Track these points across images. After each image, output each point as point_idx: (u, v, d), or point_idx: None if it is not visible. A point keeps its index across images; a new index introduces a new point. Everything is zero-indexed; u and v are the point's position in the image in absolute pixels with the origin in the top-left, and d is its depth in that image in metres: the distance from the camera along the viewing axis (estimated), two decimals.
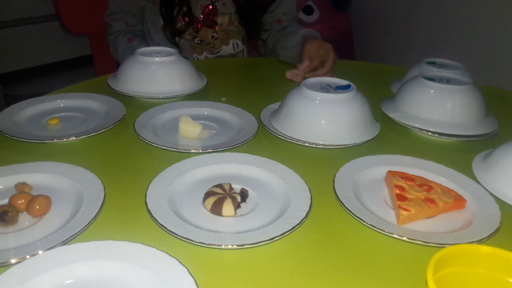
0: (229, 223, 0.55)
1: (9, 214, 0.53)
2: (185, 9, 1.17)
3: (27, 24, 2.67)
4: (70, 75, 2.76)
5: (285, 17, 1.29)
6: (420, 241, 0.52)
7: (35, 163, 0.64)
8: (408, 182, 0.61)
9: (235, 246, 0.50)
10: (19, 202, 0.55)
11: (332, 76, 1.03)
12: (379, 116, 0.85)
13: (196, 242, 0.50)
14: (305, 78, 0.89)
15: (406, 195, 0.59)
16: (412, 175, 0.64)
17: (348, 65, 1.28)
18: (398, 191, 0.59)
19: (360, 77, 1.10)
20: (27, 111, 0.81)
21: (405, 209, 0.56)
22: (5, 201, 0.56)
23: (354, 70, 1.24)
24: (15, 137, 0.71)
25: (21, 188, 0.58)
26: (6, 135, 0.71)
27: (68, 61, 2.88)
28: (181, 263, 0.46)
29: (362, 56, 2.56)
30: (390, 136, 0.81)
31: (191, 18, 1.20)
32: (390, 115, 0.85)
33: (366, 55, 2.56)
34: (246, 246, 0.50)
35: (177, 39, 1.22)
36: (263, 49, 1.36)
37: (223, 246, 0.50)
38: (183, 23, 1.20)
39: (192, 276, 0.44)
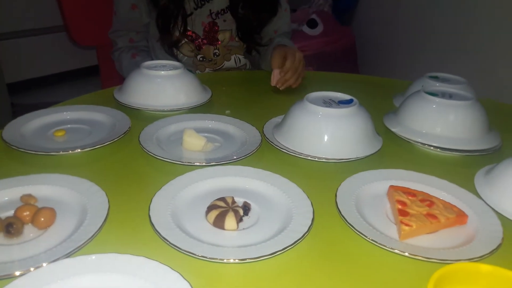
0: (231, 237, 0.55)
1: (15, 226, 0.53)
2: (181, 23, 1.19)
3: (35, 35, 2.70)
4: (77, 85, 2.78)
5: (276, 34, 1.30)
6: (422, 256, 0.52)
7: (40, 175, 0.65)
8: (410, 197, 0.62)
9: (237, 261, 0.50)
10: (25, 214, 0.55)
11: (298, 78, 1.05)
12: (381, 130, 0.85)
13: (198, 256, 0.50)
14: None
15: (408, 210, 0.59)
16: (414, 190, 0.64)
17: (350, 79, 1.29)
18: (400, 206, 0.60)
19: (363, 90, 1.12)
20: (34, 123, 0.82)
21: (407, 224, 0.56)
22: (10, 212, 0.56)
23: (356, 83, 1.25)
24: (22, 148, 0.72)
25: (27, 200, 0.59)
26: (13, 147, 0.72)
27: (75, 71, 2.91)
28: (183, 277, 0.46)
29: (365, 70, 2.57)
30: (393, 150, 0.82)
31: (193, 36, 1.21)
32: (393, 130, 0.86)
33: (369, 69, 2.58)
34: (248, 261, 0.50)
35: (180, 55, 1.24)
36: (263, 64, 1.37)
37: (225, 260, 0.50)
38: (185, 40, 1.21)
39: None
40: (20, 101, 2.47)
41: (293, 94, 1.06)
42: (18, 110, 0.85)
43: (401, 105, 0.90)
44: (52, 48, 2.78)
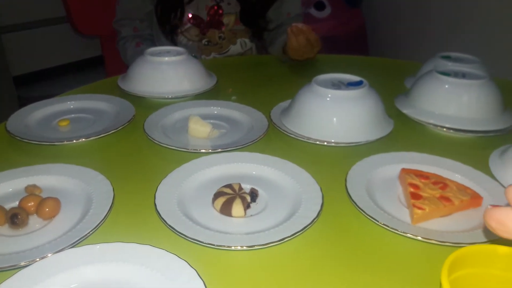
0: (239, 224, 0.54)
1: (19, 216, 0.53)
2: (179, 11, 1.17)
3: (39, 27, 2.70)
4: (82, 76, 2.78)
5: (288, 17, 1.28)
6: (435, 240, 0.50)
7: (44, 165, 0.64)
8: (422, 180, 0.60)
9: (244, 248, 0.49)
10: (29, 204, 0.55)
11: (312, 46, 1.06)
12: (393, 112, 0.83)
13: (205, 243, 0.49)
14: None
15: (421, 193, 0.57)
16: (427, 172, 0.62)
17: (361, 61, 1.26)
18: (412, 189, 0.58)
19: (373, 73, 1.08)
20: (38, 113, 0.82)
21: (419, 208, 0.54)
22: (15, 203, 0.56)
23: (367, 66, 1.22)
24: (26, 139, 0.71)
25: (31, 191, 0.58)
26: (17, 138, 0.71)
27: (79, 62, 2.91)
28: (190, 265, 0.45)
29: (375, 52, 2.52)
30: (404, 132, 0.79)
31: (198, 20, 1.20)
32: (404, 111, 0.83)
33: (379, 51, 2.53)
34: (256, 247, 0.49)
35: (184, 40, 1.22)
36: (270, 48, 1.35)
37: (232, 248, 0.49)
38: (189, 25, 1.20)
39: (201, 278, 0.43)
40: (26, 94, 2.48)
41: (301, 77, 1.04)
42: (24, 103, 0.84)
43: (413, 86, 0.87)
44: (56, 39, 2.78)
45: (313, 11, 2.26)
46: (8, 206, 0.55)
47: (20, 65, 2.56)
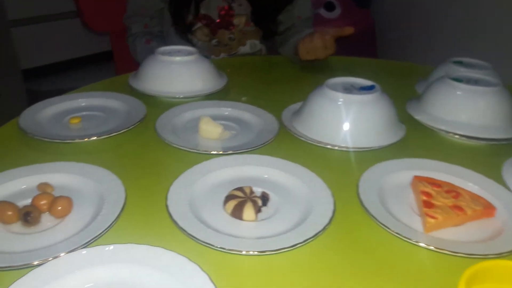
0: (250, 228, 0.54)
1: (32, 215, 0.53)
2: (194, 8, 1.17)
3: (49, 21, 2.71)
4: (91, 70, 2.79)
5: (299, 20, 1.27)
6: (448, 250, 0.50)
7: (57, 163, 0.64)
8: (435, 188, 0.59)
9: (256, 253, 0.49)
10: (42, 202, 0.55)
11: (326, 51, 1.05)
12: (404, 117, 0.83)
13: (216, 247, 0.49)
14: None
15: (433, 201, 0.57)
16: (439, 180, 0.62)
17: (370, 64, 1.25)
18: (424, 198, 0.57)
19: (383, 76, 1.08)
20: (49, 110, 0.82)
21: (432, 217, 0.54)
22: (27, 201, 0.56)
23: (377, 69, 1.21)
24: (38, 136, 0.71)
25: (44, 189, 0.59)
26: (29, 135, 0.72)
27: (89, 57, 2.91)
28: (201, 268, 0.45)
29: (384, 55, 2.51)
30: (416, 139, 0.79)
31: (208, 20, 1.20)
32: (416, 117, 0.83)
33: (389, 54, 2.51)
34: (267, 253, 0.49)
35: (194, 40, 1.22)
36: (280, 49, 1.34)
37: (243, 252, 0.49)
38: (199, 24, 1.19)
39: (213, 283, 0.43)
40: (35, 87, 2.48)
41: (312, 79, 1.03)
42: (33, 97, 0.84)
43: (424, 91, 0.87)
44: (66, 34, 2.78)
45: (323, 12, 2.25)
46: (20, 203, 0.56)
47: (29, 59, 2.56)
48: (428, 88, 0.86)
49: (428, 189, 0.59)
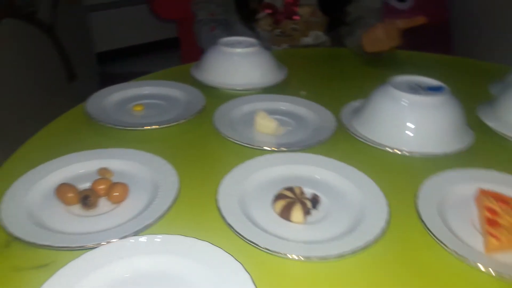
0: (297, 230, 0.53)
1: (90, 198, 0.56)
2: None
3: (123, 6, 2.83)
4: (160, 55, 2.88)
5: (368, 11, 1.22)
6: (510, 276, 0.46)
7: (117, 149, 0.67)
8: (502, 205, 0.54)
9: (301, 258, 0.48)
10: (100, 187, 0.57)
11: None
12: (474, 122, 0.76)
13: (261, 247, 0.49)
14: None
15: (498, 220, 0.52)
16: (508, 196, 0.56)
17: (441, 61, 1.17)
18: (489, 215, 0.53)
19: (455, 74, 1.01)
20: (114, 96, 0.85)
21: (494, 236, 0.50)
22: (87, 184, 0.59)
23: (448, 66, 1.13)
24: (102, 122, 0.75)
25: (103, 174, 0.61)
26: (94, 120, 0.75)
27: (159, 42, 3.01)
28: (244, 268, 0.45)
29: (460, 51, 2.34)
30: (486, 147, 0.73)
31: (273, 10, 1.18)
32: (489, 124, 0.76)
33: (465, 50, 2.34)
34: (313, 259, 0.48)
35: (257, 29, 1.22)
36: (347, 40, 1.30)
37: (288, 255, 0.48)
38: (263, 14, 1.19)
39: (254, 284, 0.43)
40: (109, 70, 2.62)
41: (377, 75, 0.98)
42: (105, 79, 0.89)
43: (500, 94, 0.79)
44: (138, 19, 2.89)
45: (394, 2, 2.14)
46: (81, 186, 0.59)
47: (103, 42, 2.70)
48: (504, 91, 0.79)
49: (494, 205, 0.54)
